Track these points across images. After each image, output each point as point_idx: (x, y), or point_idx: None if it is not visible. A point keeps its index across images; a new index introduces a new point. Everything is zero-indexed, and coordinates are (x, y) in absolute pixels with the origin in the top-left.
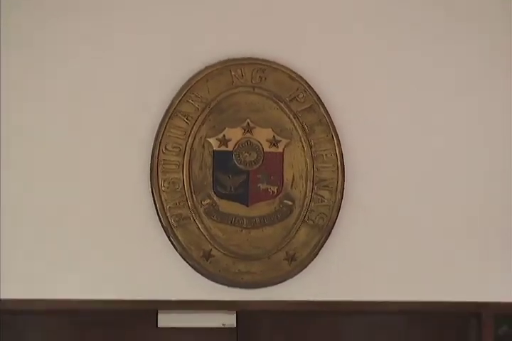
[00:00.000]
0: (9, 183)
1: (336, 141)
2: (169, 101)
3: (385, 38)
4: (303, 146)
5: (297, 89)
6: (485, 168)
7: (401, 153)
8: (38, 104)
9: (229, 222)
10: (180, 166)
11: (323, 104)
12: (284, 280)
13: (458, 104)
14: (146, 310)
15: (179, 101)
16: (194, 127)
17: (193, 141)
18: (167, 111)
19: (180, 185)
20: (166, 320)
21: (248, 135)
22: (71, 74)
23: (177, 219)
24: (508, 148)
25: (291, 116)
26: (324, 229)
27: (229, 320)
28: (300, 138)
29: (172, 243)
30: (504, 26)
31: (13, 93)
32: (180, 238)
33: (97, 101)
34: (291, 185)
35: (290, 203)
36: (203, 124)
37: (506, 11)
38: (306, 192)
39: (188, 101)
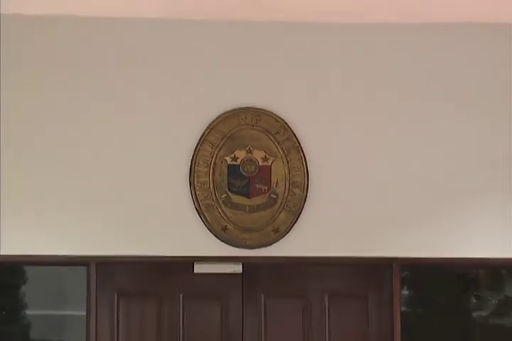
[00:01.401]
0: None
1: (303, 159)
2: (201, 134)
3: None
4: (283, 162)
5: (280, 127)
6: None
7: (349, 165)
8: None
9: (237, 208)
10: (207, 174)
11: (296, 137)
12: (271, 244)
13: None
14: (187, 262)
15: (207, 134)
16: (216, 150)
17: (216, 158)
18: (199, 140)
19: (208, 185)
20: (199, 268)
21: (249, 155)
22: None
23: (206, 206)
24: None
25: (276, 143)
26: (296, 213)
27: (237, 268)
28: (281, 157)
29: (202, 221)
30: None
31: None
32: (207, 218)
33: (155, 134)
34: (276, 185)
35: (275, 197)
36: (221, 148)
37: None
38: (285, 190)
39: (212, 134)
